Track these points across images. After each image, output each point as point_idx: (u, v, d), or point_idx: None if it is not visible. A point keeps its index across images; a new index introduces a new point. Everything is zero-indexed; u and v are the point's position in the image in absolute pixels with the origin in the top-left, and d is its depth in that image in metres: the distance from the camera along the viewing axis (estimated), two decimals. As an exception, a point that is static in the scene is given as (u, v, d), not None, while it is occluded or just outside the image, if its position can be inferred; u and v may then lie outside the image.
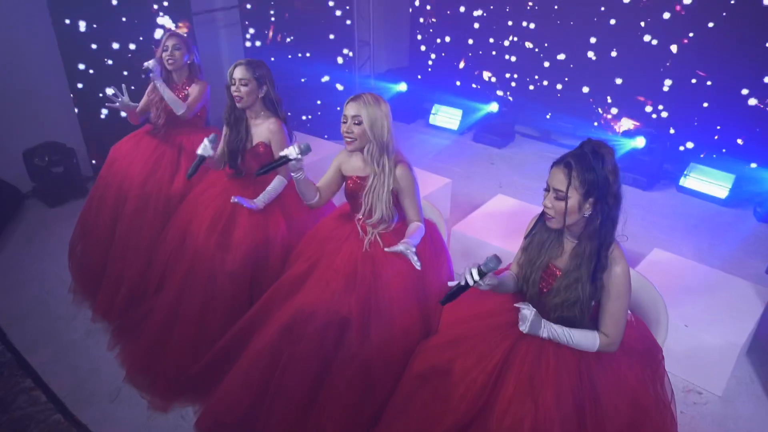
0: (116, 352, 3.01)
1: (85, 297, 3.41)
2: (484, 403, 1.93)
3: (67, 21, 4.20)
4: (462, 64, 6.39)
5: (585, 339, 1.94)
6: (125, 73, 4.46)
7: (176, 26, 4.67)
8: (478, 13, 6.00)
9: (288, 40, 5.47)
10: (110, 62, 4.43)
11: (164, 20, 4.58)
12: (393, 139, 2.38)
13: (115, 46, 4.40)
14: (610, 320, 1.94)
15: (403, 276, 2.35)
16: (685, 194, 4.90)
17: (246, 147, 2.89)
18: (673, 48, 4.90)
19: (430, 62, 6.63)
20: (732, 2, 4.48)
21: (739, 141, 4.82)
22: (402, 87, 6.41)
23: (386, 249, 2.30)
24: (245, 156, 2.91)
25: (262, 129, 2.85)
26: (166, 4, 4.56)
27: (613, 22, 5.12)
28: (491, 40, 6.06)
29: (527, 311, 1.94)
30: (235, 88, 2.75)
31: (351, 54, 5.56)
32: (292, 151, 2.31)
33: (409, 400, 2.11)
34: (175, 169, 3.32)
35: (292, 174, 2.41)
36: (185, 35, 3.34)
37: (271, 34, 5.50)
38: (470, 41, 6.23)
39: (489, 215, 3.86)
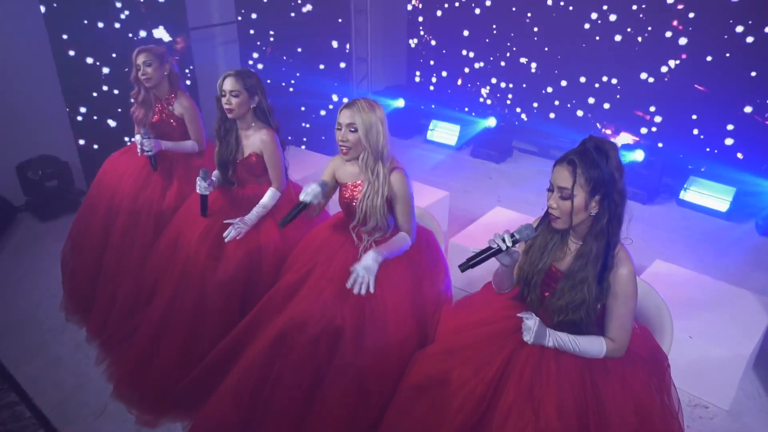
0: (104, 366, 2.92)
1: (75, 311, 3.33)
2: (482, 414, 1.85)
3: (65, 36, 4.19)
4: (459, 81, 6.40)
5: (591, 345, 1.87)
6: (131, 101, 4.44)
7: (173, 41, 4.66)
8: (475, 41, 6.06)
9: (284, 57, 5.46)
10: (116, 92, 4.40)
11: (160, 32, 4.56)
12: (388, 144, 2.34)
13: (105, 70, 4.35)
14: (617, 324, 1.87)
15: (399, 284, 2.30)
16: (686, 208, 4.86)
17: (236, 158, 2.84)
18: (671, 63, 4.91)
19: (431, 87, 6.65)
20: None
21: (739, 155, 4.79)
22: (400, 103, 6.41)
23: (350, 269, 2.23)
24: (236, 167, 2.86)
25: (254, 140, 2.79)
26: (162, 27, 4.55)
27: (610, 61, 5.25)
28: (480, 64, 6.10)
29: (531, 321, 1.87)
30: (225, 99, 2.67)
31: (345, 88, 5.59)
32: (313, 197, 2.34)
33: (405, 411, 2.03)
34: (166, 184, 3.26)
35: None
36: (157, 47, 3.21)
37: (269, 51, 5.50)
38: (466, 70, 6.27)
39: (487, 227, 3.80)
